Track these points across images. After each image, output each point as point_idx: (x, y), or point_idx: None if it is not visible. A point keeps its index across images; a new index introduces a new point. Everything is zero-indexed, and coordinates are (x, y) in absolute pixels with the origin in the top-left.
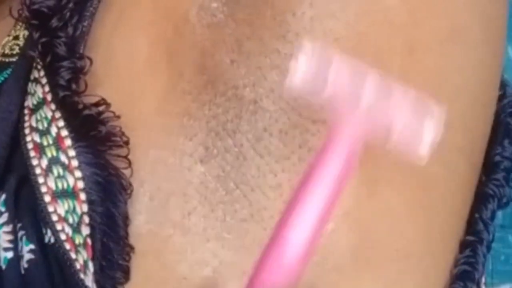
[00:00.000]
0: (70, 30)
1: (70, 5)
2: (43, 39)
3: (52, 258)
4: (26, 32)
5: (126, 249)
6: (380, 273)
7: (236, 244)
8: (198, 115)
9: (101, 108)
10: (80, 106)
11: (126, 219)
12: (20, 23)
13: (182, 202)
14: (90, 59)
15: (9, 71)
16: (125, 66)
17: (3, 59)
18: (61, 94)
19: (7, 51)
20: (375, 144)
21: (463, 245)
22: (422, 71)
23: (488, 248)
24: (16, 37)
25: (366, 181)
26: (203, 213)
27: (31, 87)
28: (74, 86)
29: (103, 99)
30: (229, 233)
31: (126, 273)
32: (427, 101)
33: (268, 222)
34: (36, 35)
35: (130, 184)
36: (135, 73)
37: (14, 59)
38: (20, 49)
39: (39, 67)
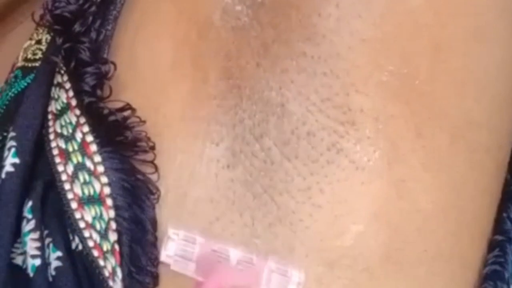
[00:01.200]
0: (93, 35)
1: (92, 9)
2: (67, 45)
3: (80, 265)
4: (49, 36)
5: (155, 253)
6: (409, 274)
7: (265, 249)
8: (224, 120)
9: (126, 114)
10: (106, 112)
11: (154, 223)
12: (43, 27)
13: (209, 208)
14: (114, 64)
15: (32, 76)
16: (149, 70)
17: (26, 64)
18: (86, 100)
19: (29, 56)
20: None
21: (492, 245)
22: (448, 71)
23: None
24: (39, 42)
25: (395, 181)
26: (231, 218)
27: (54, 92)
28: (99, 91)
29: (128, 104)
30: (258, 237)
31: (155, 278)
32: (287, 269)
33: (298, 225)
34: (59, 41)
35: (157, 189)
36: (159, 77)
37: (37, 64)
38: (42, 53)
39: (62, 71)
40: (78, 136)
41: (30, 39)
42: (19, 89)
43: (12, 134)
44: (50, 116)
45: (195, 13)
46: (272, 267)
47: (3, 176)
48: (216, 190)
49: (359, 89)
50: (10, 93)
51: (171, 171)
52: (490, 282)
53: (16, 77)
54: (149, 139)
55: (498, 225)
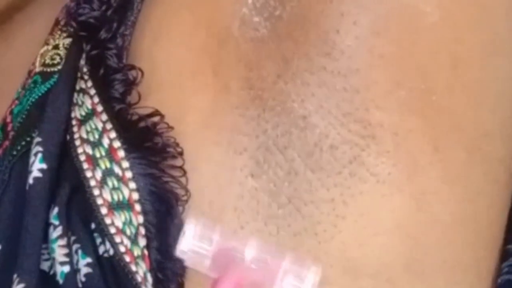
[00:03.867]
0: (119, 41)
1: (113, 15)
2: (94, 52)
3: (109, 270)
4: (66, 41)
5: (182, 260)
6: (429, 284)
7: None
8: (247, 129)
9: (156, 119)
10: (135, 118)
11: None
12: (59, 32)
13: (234, 216)
14: (141, 70)
15: (52, 81)
16: (169, 78)
17: (45, 69)
18: (117, 107)
19: (48, 61)
20: None
21: (505, 254)
22: (465, 85)
23: None
24: (56, 47)
25: (414, 194)
26: (256, 227)
27: (77, 98)
28: (128, 98)
29: (157, 110)
30: (283, 247)
31: (180, 285)
32: (303, 264)
33: (322, 236)
34: (86, 47)
35: (187, 189)
36: (180, 86)
37: (55, 69)
38: (61, 58)
39: (85, 77)
40: (105, 142)
41: (47, 44)
42: (40, 94)
43: (38, 139)
44: (74, 122)
45: (213, 23)
46: (286, 268)
47: (31, 181)
48: (240, 199)
49: (379, 104)
50: (31, 98)
51: (195, 179)
52: None
53: (35, 82)
54: (177, 145)
55: (510, 234)
